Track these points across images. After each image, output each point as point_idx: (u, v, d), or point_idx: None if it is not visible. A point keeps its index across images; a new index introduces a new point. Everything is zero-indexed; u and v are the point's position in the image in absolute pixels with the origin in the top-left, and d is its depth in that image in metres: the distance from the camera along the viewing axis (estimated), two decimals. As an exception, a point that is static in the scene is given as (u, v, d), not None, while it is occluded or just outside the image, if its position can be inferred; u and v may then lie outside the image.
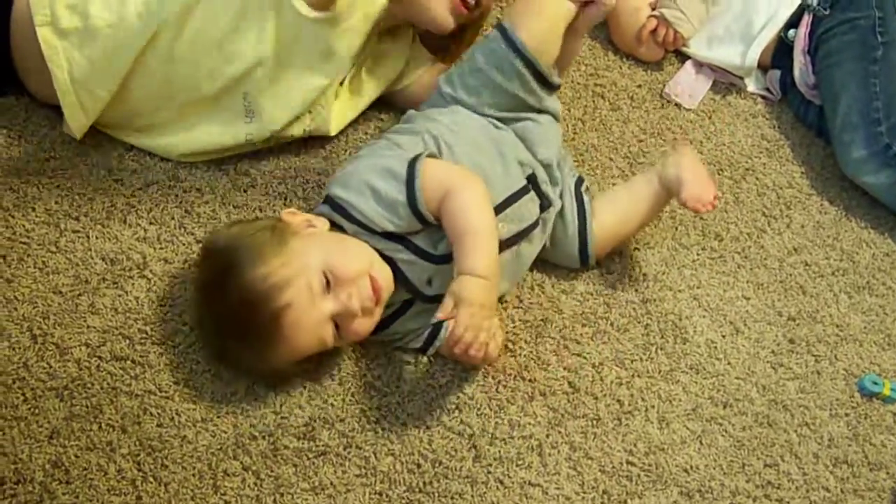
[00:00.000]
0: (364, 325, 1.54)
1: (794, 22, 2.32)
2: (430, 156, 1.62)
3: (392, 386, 1.62)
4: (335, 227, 1.60)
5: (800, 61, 2.28)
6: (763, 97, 2.36)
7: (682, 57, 2.40)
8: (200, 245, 1.68)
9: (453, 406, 1.61)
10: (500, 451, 1.58)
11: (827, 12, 2.26)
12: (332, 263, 1.50)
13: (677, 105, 2.28)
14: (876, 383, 1.78)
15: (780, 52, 2.34)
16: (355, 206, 1.58)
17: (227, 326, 1.51)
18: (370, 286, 1.51)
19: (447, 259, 1.58)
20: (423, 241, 1.60)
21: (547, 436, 1.61)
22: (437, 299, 1.54)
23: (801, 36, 2.29)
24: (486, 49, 1.76)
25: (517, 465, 1.57)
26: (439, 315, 1.48)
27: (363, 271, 1.52)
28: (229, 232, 1.58)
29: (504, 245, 1.62)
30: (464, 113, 1.77)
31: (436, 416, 1.60)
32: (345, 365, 1.64)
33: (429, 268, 1.60)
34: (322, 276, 1.49)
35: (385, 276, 1.56)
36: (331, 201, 1.62)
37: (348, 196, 1.59)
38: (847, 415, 1.75)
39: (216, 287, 1.51)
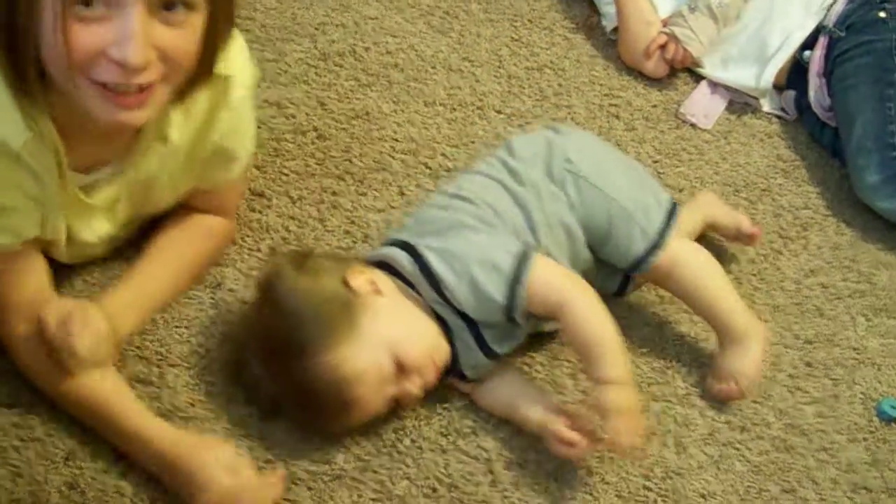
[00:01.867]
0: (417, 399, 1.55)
1: (809, 43, 2.32)
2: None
3: (408, 409, 1.61)
4: (396, 274, 1.58)
5: (815, 83, 2.28)
6: (778, 117, 2.36)
7: (697, 77, 2.40)
8: (261, 282, 1.58)
9: (469, 430, 1.61)
10: (516, 476, 1.57)
11: (843, 34, 2.26)
12: (402, 351, 1.48)
13: (693, 125, 2.28)
14: (894, 407, 1.77)
15: (796, 73, 2.34)
16: (448, 285, 1.52)
17: (286, 394, 1.51)
18: (433, 373, 1.52)
19: (500, 358, 1.59)
20: (491, 335, 1.57)
21: (563, 460, 1.60)
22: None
23: (816, 58, 2.29)
24: None
25: (533, 490, 1.55)
26: (606, 439, 1.48)
27: (429, 356, 1.52)
28: (296, 288, 1.50)
29: None
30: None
31: (452, 440, 1.59)
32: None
33: (482, 359, 1.58)
34: (392, 364, 1.47)
35: (445, 356, 1.55)
36: (419, 260, 1.55)
37: (444, 273, 1.52)
38: (865, 439, 1.74)
39: (280, 359, 1.48)
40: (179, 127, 1.49)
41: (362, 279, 1.53)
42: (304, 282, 1.51)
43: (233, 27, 1.39)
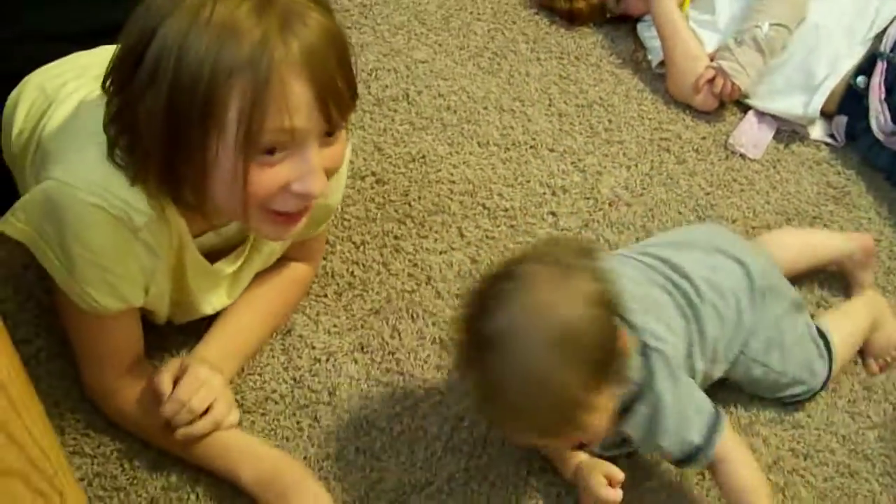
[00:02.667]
0: None
1: (864, 68, 2.34)
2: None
3: (479, 448, 1.65)
4: None
5: (876, 109, 2.30)
6: (827, 144, 2.39)
7: (744, 107, 2.43)
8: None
9: (538, 467, 1.64)
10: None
11: None
12: None
13: (742, 156, 2.30)
14: None
15: (847, 99, 2.36)
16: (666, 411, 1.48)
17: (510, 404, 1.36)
18: None
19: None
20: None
21: (631, 489, 1.62)
22: None
23: (875, 85, 2.30)
24: None
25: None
26: None
27: None
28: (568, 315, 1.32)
29: None
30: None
31: (522, 476, 1.62)
32: (431, 429, 1.67)
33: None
34: None
35: None
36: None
37: (668, 401, 1.48)
38: (928, 462, 1.76)
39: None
40: None
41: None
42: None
43: None
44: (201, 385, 1.51)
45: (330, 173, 1.36)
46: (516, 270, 1.34)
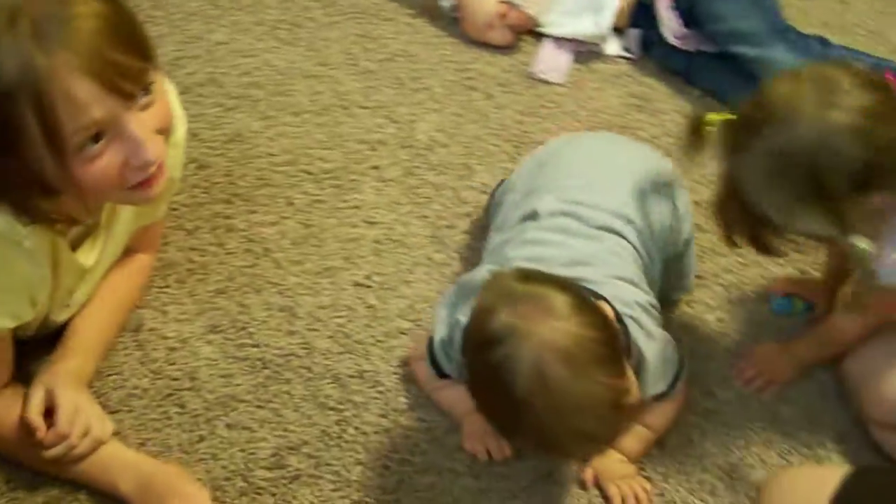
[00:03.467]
0: None
1: None
2: None
3: (347, 403, 1.69)
4: None
5: (664, 17, 2.41)
6: (624, 58, 2.49)
7: (540, 36, 2.51)
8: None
9: (406, 406, 1.69)
10: (459, 438, 1.65)
11: None
12: None
13: (546, 82, 2.38)
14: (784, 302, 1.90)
15: (638, 12, 2.48)
16: (648, 367, 1.52)
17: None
18: None
19: None
20: None
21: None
22: None
23: None
24: None
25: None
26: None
27: None
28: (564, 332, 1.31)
29: None
30: None
31: (392, 419, 1.67)
32: (296, 391, 1.71)
33: None
34: None
35: None
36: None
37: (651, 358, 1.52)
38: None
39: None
40: None
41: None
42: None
43: None
44: (76, 413, 1.51)
45: (164, 129, 1.37)
46: (498, 332, 1.31)
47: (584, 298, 1.36)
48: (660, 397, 1.59)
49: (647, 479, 1.63)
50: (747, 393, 1.75)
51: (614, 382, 1.31)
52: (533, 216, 1.63)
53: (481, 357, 1.33)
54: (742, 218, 1.48)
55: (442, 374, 1.61)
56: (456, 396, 1.61)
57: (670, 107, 2.36)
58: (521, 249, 1.58)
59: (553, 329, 1.29)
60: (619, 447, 1.60)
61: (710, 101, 2.38)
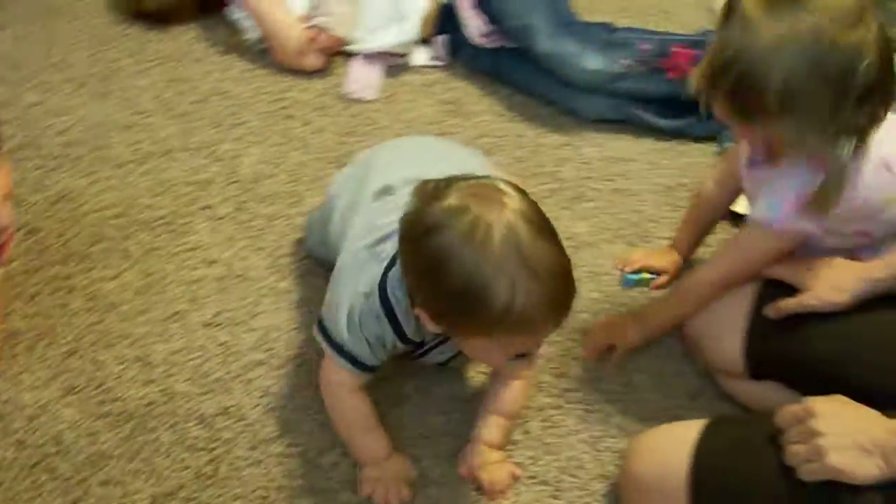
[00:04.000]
0: None
1: None
2: None
3: (216, 441, 1.72)
4: None
5: (466, 18, 2.49)
6: (434, 66, 2.57)
7: (350, 55, 2.56)
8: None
9: (274, 435, 1.73)
10: (336, 458, 1.71)
11: None
12: None
13: (360, 100, 2.44)
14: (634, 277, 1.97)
15: (442, 18, 2.56)
16: None
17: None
18: None
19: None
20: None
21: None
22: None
23: None
24: None
25: (354, 467, 1.70)
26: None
27: None
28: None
29: None
30: None
31: (262, 450, 1.70)
32: (164, 438, 1.72)
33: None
34: None
35: None
36: None
37: None
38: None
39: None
40: None
41: None
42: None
43: None
44: None
45: (9, 195, 1.38)
46: (453, 210, 1.30)
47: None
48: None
49: (518, 464, 1.70)
50: (599, 369, 1.84)
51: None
52: (388, 191, 1.64)
53: (436, 238, 1.31)
54: (726, 79, 1.46)
55: (366, 368, 1.58)
56: (377, 443, 1.65)
57: (482, 108, 2.45)
58: (392, 215, 1.48)
59: (514, 199, 1.31)
60: (483, 439, 1.66)
61: (520, 97, 2.47)
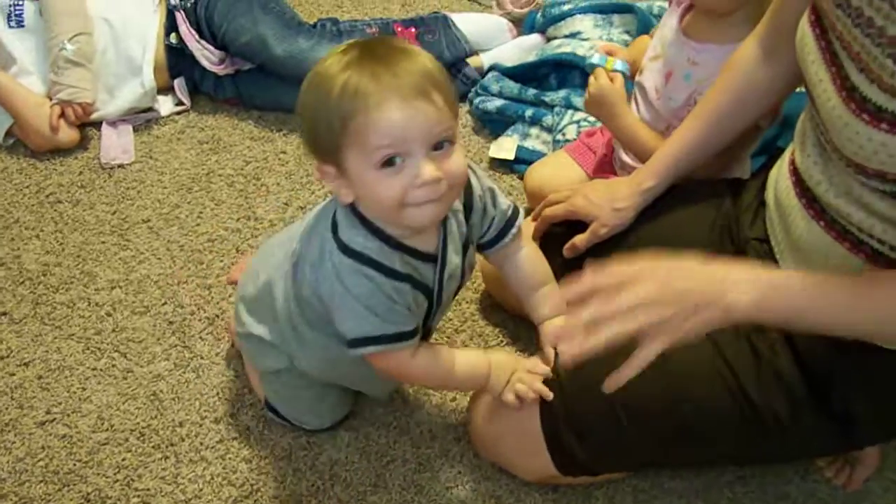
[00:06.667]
0: None
1: (168, 27, 2.59)
2: None
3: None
4: None
5: (197, 50, 2.56)
6: (178, 113, 2.61)
7: (96, 125, 2.58)
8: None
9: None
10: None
11: (191, 1, 2.57)
12: None
13: (121, 166, 2.47)
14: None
15: (174, 61, 2.60)
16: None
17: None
18: None
19: None
20: None
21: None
22: None
23: (186, 33, 2.56)
24: None
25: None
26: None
27: None
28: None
29: None
30: None
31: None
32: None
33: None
34: None
35: None
36: None
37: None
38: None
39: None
40: None
41: None
42: None
43: None
44: None
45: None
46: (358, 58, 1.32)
47: None
48: None
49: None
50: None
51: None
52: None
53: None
54: None
55: (405, 336, 1.51)
56: (473, 369, 1.61)
57: (238, 137, 2.52)
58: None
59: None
60: (544, 315, 1.66)
61: (271, 115, 2.56)
